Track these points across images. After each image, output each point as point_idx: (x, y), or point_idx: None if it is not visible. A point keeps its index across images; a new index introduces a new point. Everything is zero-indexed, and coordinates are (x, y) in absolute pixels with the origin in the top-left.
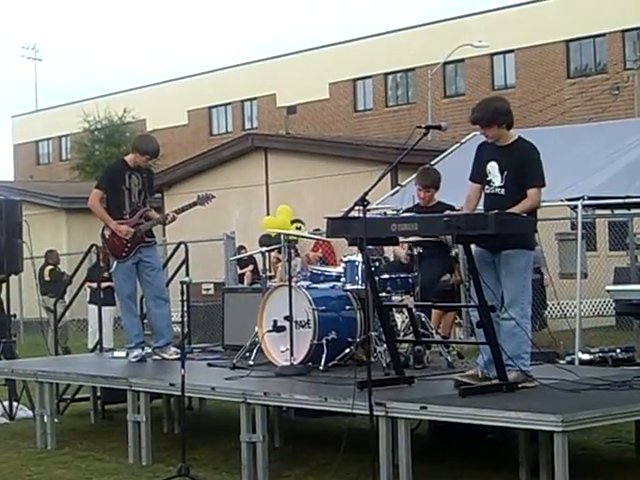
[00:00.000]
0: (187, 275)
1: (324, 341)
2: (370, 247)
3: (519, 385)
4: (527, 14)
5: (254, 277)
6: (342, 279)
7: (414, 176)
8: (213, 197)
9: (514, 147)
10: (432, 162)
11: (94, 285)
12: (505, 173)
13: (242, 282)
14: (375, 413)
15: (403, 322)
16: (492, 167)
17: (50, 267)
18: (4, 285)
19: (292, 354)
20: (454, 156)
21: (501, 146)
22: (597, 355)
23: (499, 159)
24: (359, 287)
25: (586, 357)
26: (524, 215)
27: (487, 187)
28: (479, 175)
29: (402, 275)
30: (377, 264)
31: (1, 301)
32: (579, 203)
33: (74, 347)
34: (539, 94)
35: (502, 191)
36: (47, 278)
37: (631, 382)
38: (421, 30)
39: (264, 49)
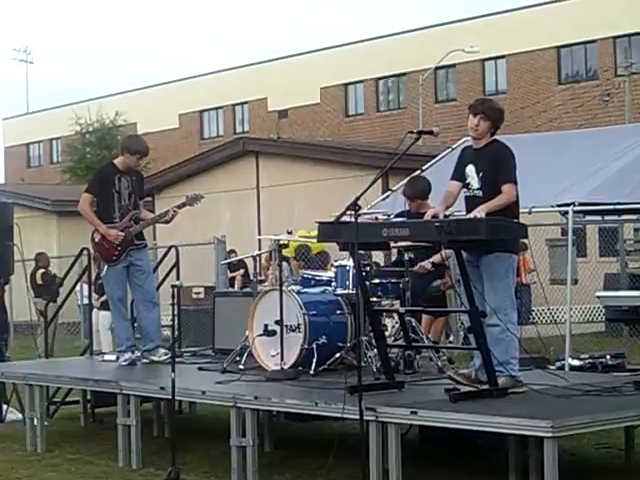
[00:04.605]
0: (178, 279)
1: (314, 345)
2: (361, 252)
3: (509, 390)
4: (518, 20)
5: (245, 281)
6: (333, 284)
7: (404, 181)
8: (202, 197)
9: (488, 148)
10: (423, 167)
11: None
12: (481, 174)
13: (233, 286)
14: (365, 418)
15: (393, 327)
16: (470, 170)
17: (42, 271)
18: None
19: (282, 358)
20: (445, 161)
21: (478, 149)
22: (587, 361)
23: (476, 162)
24: (350, 292)
25: (576, 363)
26: (515, 220)
27: (466, 190)
28: (460, 175)
29: (393, 280)
30: (368, 269)
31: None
32: (570, 209)
33: (64, 350)
34: (530, 100)
35: (480, 193)
36: (39, 282)
37: (621, 388)
38: (412, 35)
39: (255, 53)
